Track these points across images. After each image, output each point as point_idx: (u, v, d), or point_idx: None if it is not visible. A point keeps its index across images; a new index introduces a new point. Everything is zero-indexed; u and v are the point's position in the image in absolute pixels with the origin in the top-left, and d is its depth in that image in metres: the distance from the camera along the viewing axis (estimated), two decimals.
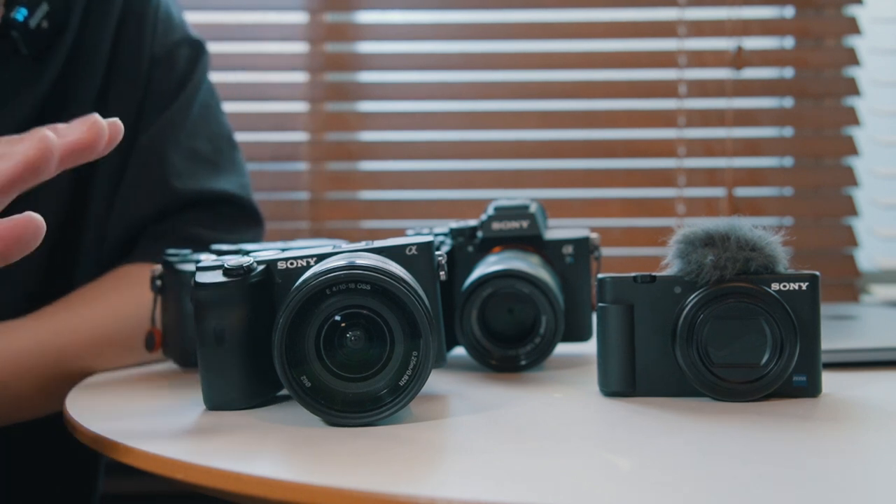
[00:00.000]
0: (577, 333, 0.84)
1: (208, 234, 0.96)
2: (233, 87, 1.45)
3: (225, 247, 0.86)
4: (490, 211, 0.84)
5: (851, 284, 1.45)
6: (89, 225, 0.97)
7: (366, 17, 1.50)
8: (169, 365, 0.88)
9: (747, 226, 0.68)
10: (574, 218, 1.42)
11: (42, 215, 0.94)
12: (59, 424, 0.75)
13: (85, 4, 0.95)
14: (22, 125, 0.93)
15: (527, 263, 0.79)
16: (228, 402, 0.67)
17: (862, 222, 1.45)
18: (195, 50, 1.03)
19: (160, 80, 1.00)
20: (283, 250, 0.73)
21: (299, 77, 1.48)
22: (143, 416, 0.69)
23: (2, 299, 0.91)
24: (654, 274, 0.69)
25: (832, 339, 0.76)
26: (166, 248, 0.87)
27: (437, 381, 0.76)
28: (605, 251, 0.91)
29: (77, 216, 0.97)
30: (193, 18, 1.44)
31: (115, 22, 0.97)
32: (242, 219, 1.02)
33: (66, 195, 0.96)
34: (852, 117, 1.44)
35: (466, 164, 1.47)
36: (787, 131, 1.50)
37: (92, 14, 0.96)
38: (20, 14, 0.90)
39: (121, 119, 0.98)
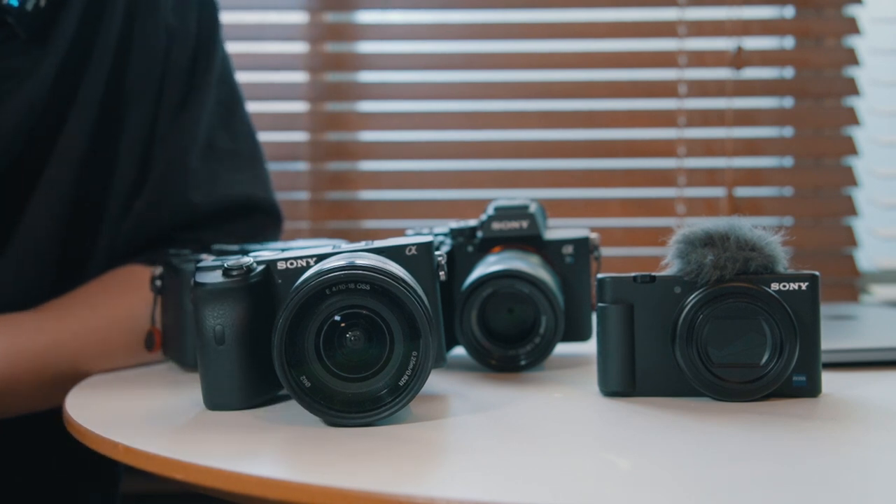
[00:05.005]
0: (577, 333, 0.84)
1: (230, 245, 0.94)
2: None
3: (226, 247, 0.86)
4: (490, 211, 0.84)
5: (851, 284, 1.45)
6: (103, 232, 0.96)
7: (366, 17, 1.50)
8: (169, 365, 0.88)
9: (747, 226, 0.68)
10: (574, 218, 1.42)
11: (42, 222, 0.92)
12: (56, 424, 0.75)
13: None
14: (34, 109, 0.91)
15: (527, 263, 0.79)
16: (228, 402, 0.67)
17: (862, 222, 1.45)
18: (205, 14, 0.99)
19: (176, 54, 0.96)
20: (283, 250, 0.73)
21: (299, 77, 1.48)
22: (143, 416, 0.69)
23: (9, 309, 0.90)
24: (653, 274, 0.69)
25: (832, 339, 0.76)
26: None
27: (437, 381, 0.76)
28: (605, 251, 0.91)
29: (88, 226, 0.95)
30: None
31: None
32: (263, 222, 1.00)
33: (63, 205, 0.93)
34: (852, 117, 1.44)
35: (466, 164, 1.47)
36: (787, 131, 1.50)
37: None
38: None
39: (142, 97, 0.95)
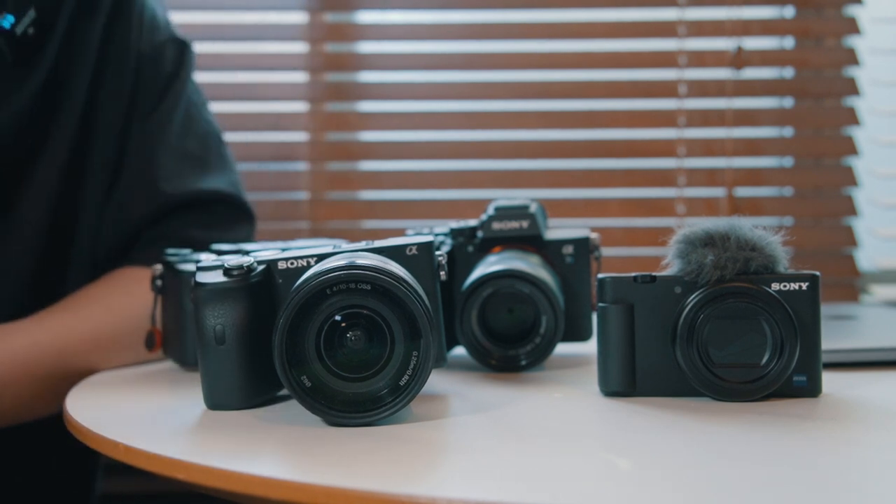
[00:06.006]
0: (577, 333, 0.84)
1: (202, 235, 0.96)
2: (233, 87, 1.45)
3: (225, 247, 0.86)
4: (490, 211, 0.84)
5: (851, 284, 1.45)
6: (81, 232, 0.97)
7: (366, 17, 1.50)
8: (169, 365, 0.88)
9: (747, 226, 0.68)
10: (574, 218, 1.42)
11: (24, 229, 0.94)
12: (56, 425, 0.75)
13: (73, 8, 0.95)
14: (12, 130, 0.93)
15: (527, 263, 0.79)
16: (228, 402, 0.67)
17: (862, 222, 1.45)
18: (180, 49, 1.03)
19: (148, 78, 1.00)
20: (284, 250, 0.73)
21: (299, 77, 1.48)
22: (143, 416, 0.69)
23: None
24: (654, 274, 0.69)
25: (832, 339, 0.76)
26: (163, 251, 0.87)
27: (437, 381, 0.76)
28: (605, 251, 0.91)
29: (67, 226, 0.97)
30: (193, 18, 1.44)
31: (102, 24, 0.97)
32: (235, 216, 1.02)
33: (51, 203, 0.96)
34: (852, 117, 1.44)
35: (466, 164, 1.47)
36: (787, 131, 1.50)
37: (80, 18, 0.96)
38: (6, 21, 0.89)
39: (112, 118, 0.99)
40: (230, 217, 1.02)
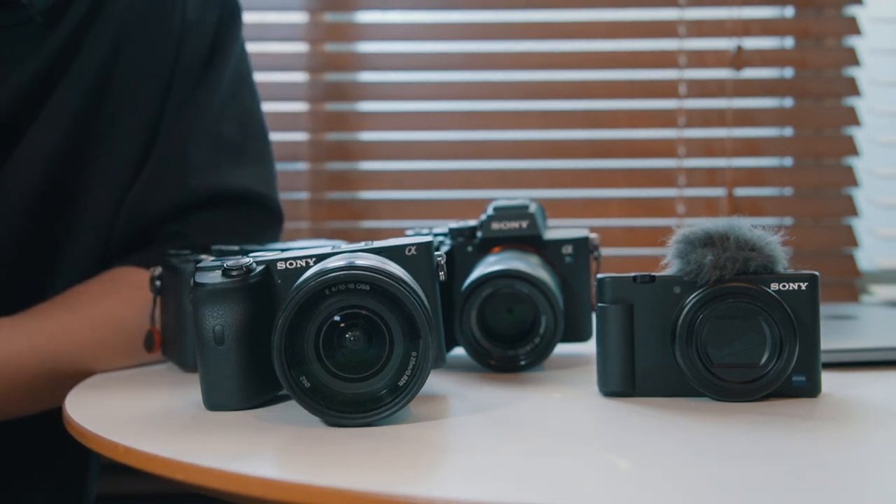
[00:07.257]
0: (577, 333, 0.84)
1: (221, 240, 0.91)
2: None
3: (226, 247, 0.86)
4: (489, 211, 0.84)
5: (851, 284, 1.45)
6: (79, 204, 0.93)
7: (366, 17, 1.50)
8: (169, 365, 0.88)
9: (747, 226, 0.68)
10: (574, 218, 1.42)
11: (14, 189, 0.90)
12: (50, 423, 0.75)
13: None
14: (25, 89, 0.89)
15: (526, 263, 0.79)
16: (228, 403, 0.67)
17: (862, 222, 1.45)
18: (226, 12, 0.97)
19: (192, 48, 0.95)
20: (283, 250, 0.73)
21: (299, 77, 1.48)
22: (143, 417, 0.69)
23: None
24: (653, 274, 0.69)
25: (832, 339, 0.76)
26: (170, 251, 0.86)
27: (436, 381, 0.76)
28: (605, 251, 0.91)
29: (62, 194, 0.93)
30: None
31: None
32: (260, 219, 0.99)
33: (48, 167, 0.91)
34: (852, 117, 1.44)
35: (466, 164, 1.48)
36: (787, 131, 1.50)
37: None
38: None
39: (139, 91, 0.93)
40: (256, 220, 0.98)
